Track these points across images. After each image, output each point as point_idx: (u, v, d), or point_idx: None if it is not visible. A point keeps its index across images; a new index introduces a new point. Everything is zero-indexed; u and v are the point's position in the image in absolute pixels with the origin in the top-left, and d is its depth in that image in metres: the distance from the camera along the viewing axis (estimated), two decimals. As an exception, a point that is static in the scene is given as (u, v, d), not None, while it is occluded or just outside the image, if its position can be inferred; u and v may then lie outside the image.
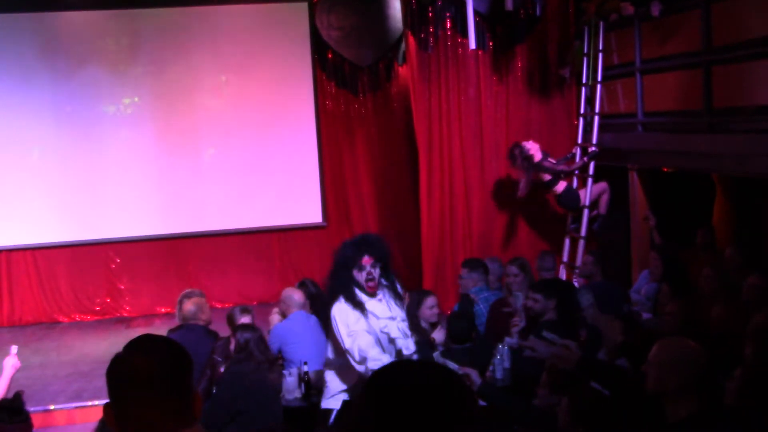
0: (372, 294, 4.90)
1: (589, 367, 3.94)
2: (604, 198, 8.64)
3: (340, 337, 4.87)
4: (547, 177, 8.61)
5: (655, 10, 7.41)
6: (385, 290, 5.00)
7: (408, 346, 4.93)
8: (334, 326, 4.92)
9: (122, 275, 11.10)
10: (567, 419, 3.57)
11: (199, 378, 5.55)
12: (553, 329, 4.75)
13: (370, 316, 4.86)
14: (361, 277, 4.89)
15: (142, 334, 2.04)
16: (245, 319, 6.60)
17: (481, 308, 6.78)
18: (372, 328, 4.86)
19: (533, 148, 8.53)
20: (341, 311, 4.88)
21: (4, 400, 4.61)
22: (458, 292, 8.67)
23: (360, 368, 4.80)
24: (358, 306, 4.86)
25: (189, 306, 6.60)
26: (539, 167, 8.53)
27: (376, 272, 4.91)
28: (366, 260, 4.87)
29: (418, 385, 1.51)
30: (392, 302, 4.98)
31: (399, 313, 4.99)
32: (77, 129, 10.78)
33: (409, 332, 5.00)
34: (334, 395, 5.19)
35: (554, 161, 8.61)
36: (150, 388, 1.85)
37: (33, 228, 10.71)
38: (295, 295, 6.90)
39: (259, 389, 5.41)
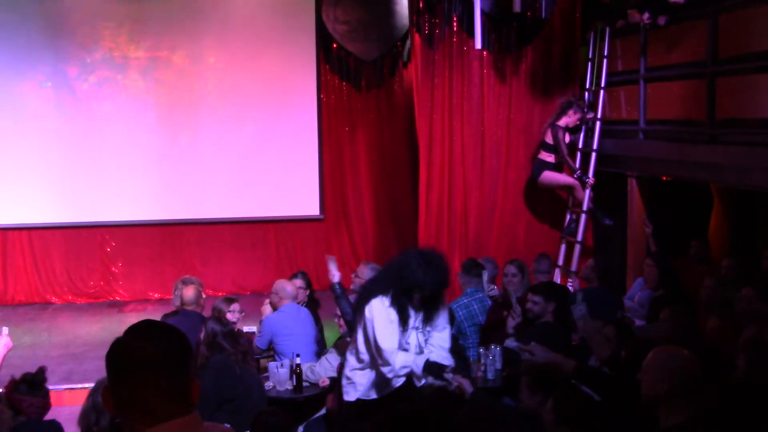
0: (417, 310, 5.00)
1: (585, 374, 3.97)
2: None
3: (374, 332, 4.89)
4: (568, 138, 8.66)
5: (661, 20, 7.42)
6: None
7: (417, 363, 4.93)
8: (368, 319, 4.93)
9: (117, 259, 11.09)
10: (551, 419, 3.60)
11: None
12: (548, 331, 4.79)
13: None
14: (417, 299, 4.93)
15: (142, 319, 2.03)
16: (234, 307, 6.63)
17: (475, 309, 6.81)
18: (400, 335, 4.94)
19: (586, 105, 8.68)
20: (381, 309, 4.91)
21: (27, 373, 4.64)
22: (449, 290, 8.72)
23: (385, 369, 4.89)
24: (402, 313, 4.89)
25: (189, 292, 6.62)
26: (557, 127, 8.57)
27: None
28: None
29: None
30: (419, 317, 5.06)
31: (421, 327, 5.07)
32: (78, 112, 10.76)
33: (424, 348, 5.05)
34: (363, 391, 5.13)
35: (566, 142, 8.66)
36: (151, 373, 1.85)
37: (30, 208, 10.71)
38: (288, 287, 6.88)
39: (243, 377, 5.46)
